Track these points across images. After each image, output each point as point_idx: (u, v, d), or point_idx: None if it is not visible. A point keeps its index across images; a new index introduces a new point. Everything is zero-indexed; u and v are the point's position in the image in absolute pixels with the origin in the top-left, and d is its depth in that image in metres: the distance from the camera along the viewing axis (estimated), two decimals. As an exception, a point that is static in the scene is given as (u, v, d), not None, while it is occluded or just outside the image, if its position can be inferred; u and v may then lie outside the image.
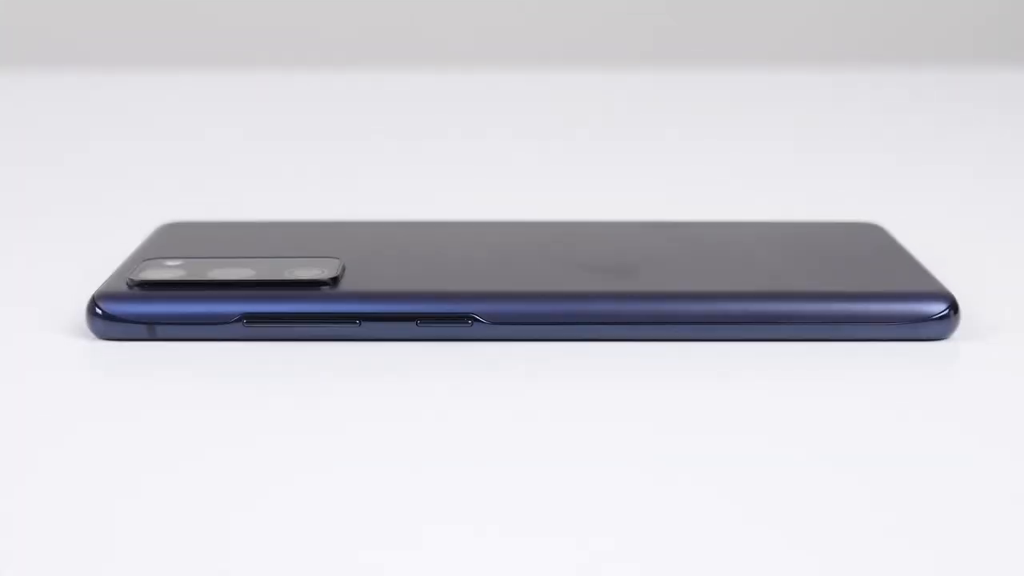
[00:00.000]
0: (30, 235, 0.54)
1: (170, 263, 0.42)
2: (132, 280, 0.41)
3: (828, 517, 0.31)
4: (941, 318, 0.41)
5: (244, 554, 0.29)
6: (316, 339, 0.40)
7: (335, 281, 0.41)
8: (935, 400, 0.38)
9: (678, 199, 0.62)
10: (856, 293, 0.41)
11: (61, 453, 0.34)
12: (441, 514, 0.31)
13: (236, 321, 0.40)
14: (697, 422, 0.36)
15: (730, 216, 0.52)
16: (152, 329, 0.40)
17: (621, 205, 0.59)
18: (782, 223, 0.50)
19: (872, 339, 0.41)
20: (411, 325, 0.40)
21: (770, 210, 0.57)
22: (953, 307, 0.41)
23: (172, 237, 0.47)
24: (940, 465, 0.34)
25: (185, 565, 0.29)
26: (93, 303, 0.41)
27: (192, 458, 0.34)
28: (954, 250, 0.49)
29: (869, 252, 0.46)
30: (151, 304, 0.41)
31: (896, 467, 0.33)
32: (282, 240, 0.47)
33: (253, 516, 0.31)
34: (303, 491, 0.32)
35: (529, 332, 0.41)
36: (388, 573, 0.29)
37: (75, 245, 0.52)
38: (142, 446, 0.34)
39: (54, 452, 0.34)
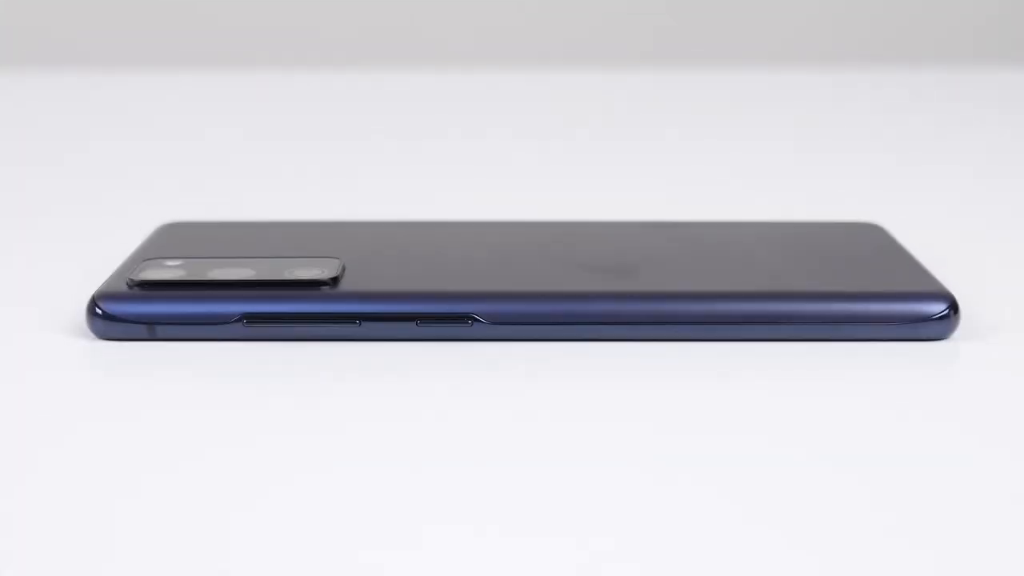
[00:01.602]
0: (30, 235, 0.54)
1: (170, 263, 0.42)
2: (132, 280, 0.41)
3: (828, 517, 0.31)
4: (941, 318, 0.41)
5: (244, 554, 0.29)
6: (316, 339, 0.40)
7: (335, 281, 0.41)
8: (935, 400, 0.38)
9: (678, 199, 0.62)
10: (856, 293, 0.41)
11: (61, 453, 0.34)
12: (441, 514, 0.31)
13: (236, 321, 0.40)
14: (697, 422, 0.36)
15: (730, 216, 0.52)
16: (152, 329, 0.40)
17: (621, 205, 0.59)
18: (782, 223, 0.50)
19: (872, 339, 0.41)
20: (411, 325, 0.40)
21: (770, 210, 0.57)
22: (953, 307, 0.41)
23: (172, 237, 0.47)
24: (940, 465, 0.34)
25: (185, 565, 0.29)
26: (93, 303, 0.41)
27: (192, 458, 0.34)
28: (954, 250, 0.49)
29: (869, 252, 0.46)
30: (151, 304, 0.41)
31: (896, 467, 0.33)
32: (282, 240, 0.47)
33: (253, 516, 0.31)
34: (303, 491, 0.32)
35: (529, 332, 0.41)
36: (388, 573, 0.29)
37: (75, 245, 0.52)
38: (142, 446, 0.34)
39: (54, 452, 0.34)
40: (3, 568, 0.29)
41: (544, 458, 0.34)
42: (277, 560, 0.29)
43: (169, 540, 0.30)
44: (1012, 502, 0.32)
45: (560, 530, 0.30)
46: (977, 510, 0.31)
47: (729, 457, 0.34)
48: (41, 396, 0.38)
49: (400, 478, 0.33)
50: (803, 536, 0.30)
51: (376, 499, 0.32)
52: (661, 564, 0.29)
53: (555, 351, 0.40)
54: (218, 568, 0.29)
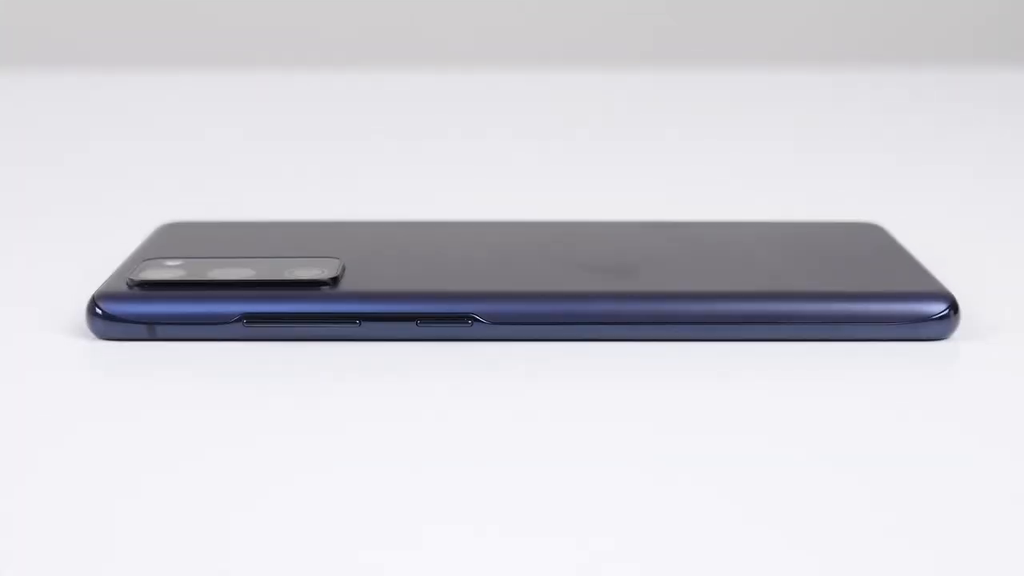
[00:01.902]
0: (30, 235, 0.54)
1: (170, 263, 0.42)
2: (132, 280, 0.41)
3: (828, 517, 0.31)
4: (941, 318, 0.41)
5: (244, 554, 0.29)
6: (316, 339, 0.40)
7: (335, 281, 0.41)
8: (935, 400, 0.38)
9: (678, 199, 0.62)
10: (856, 293, 0.41)
11: (61, 453, 0.34)
12: (441, 514, 0.31)
13: (236, 321, 0.40)
14: (697, 422, 0.36)
15: (730, 216, 0.52)
16: (152, 329, 0.40)
17: (621, 205, 0.59)
18: (782, 223, 0.50)
19: (872, 339, 0.41)
20: (411, 325, 0.40)
21: (770, 210, 0.57)
22: (953, 307, 0.41)
23: (172, 237, 0.47)
24: (940, 465, 0.34)
25: (185, 565, 0.29)
26: (93, 303, 0.41)
27: (192, 458, 0.34)
28: (954, 250, 0.49)
29: (869, 252, 0.46)
30: (151, 304, 0.41)
31: (896, 467, 0.33)
32: (282, 240, 0.47)
33: (253, 516, 0.31)
34: (303, 491, 0.32)
35: (529, 332, 0.41)
36: (388, 573, 0.29)
37: (75, 245, 0.52)
38: (142, 446, 0.34)
39: (54, 452, 0.34)
40: (3, 568, 0.29)
41: (544, 458, 0.34)
42: (277, 560, 0.29)
43: (169, 540, 0.30)
44: (1012, 502, 0.32)
45: (560, 530, 0.30)
46: (977, 510, 0.31)
47: (729, 457, 0.34)
48: (41, 396, 0.38)
49: (400, 478, 0.33)
50: (803, 536, 0.30)
51: (376, 499, 0.32)
52: (661, 564, 0.29)
53: (555, 351, 0.40)
54: (218, 568, 0.29)
